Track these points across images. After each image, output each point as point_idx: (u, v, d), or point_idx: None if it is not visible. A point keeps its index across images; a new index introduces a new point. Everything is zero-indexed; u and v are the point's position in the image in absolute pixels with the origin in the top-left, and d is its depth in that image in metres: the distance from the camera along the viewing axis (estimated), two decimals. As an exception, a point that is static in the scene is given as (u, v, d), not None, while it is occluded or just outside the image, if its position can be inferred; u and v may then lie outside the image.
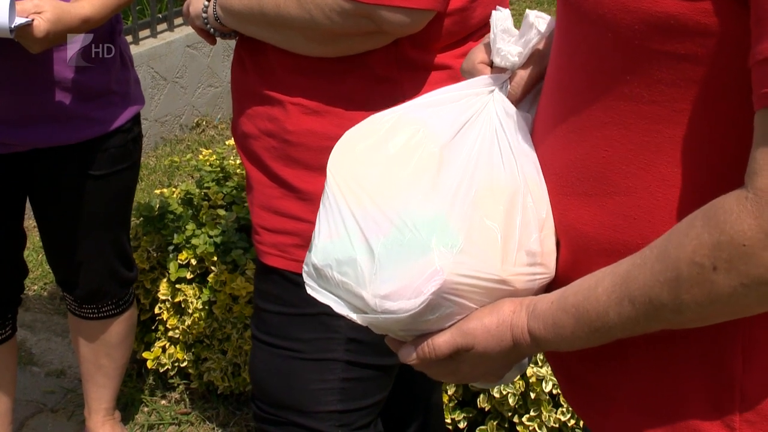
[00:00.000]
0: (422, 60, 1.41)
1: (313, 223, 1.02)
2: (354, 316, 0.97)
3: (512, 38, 1.05)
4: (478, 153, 0.99)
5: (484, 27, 1.45)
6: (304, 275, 1.02)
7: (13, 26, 1.60)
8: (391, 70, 1.40)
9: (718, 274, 0.78)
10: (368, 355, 1.49)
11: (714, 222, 0.79)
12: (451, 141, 1.00)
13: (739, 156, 0.80)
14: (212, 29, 1.53)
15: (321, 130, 1.42)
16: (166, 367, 2.58)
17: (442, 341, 0.95)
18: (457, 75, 1.13)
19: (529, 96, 1.06)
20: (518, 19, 1.12)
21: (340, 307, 0.98)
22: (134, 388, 2.64)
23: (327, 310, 1.45)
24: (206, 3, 1.52)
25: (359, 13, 1.32)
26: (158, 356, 2.59)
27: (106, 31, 1.91)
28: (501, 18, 1.05)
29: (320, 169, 1.07)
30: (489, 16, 1.43)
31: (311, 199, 1.05)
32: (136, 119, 2.07)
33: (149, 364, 2.59)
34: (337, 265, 0.96)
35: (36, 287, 3.18)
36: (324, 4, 1.34)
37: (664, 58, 0.84)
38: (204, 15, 1.52)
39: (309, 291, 1.01)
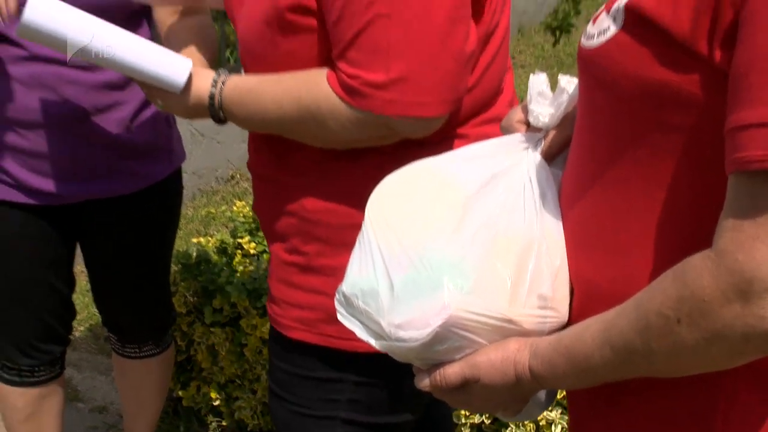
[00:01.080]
0: (441, 134, 1.36)
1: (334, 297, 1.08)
2: (373, 342, 1.02)
3: (546, 101, 1.08)
4: (502, 204, 1.02)
5: (496, 96, 1.45)
6: (336, 303, 1.07)
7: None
8: (410, 149, 1.33)
9: (682, 327, 0.80)
10: (367, 415, 1.50)
11: (681, 278, 0.80)
12: (479, 192, 1.04)
13: None
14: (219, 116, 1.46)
15: (342, 209, 1.38)
16: (200, 405, 2.61)
17: (452, 371, 0.99)
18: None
19: (561, 155, 1.08)
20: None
21: (362, 333, 1.03)
22: (171, 424, 2.67)
23: (331, 376, 1.44)
24: (212, 90, 1.45)
25: (376, 122, 1.29)
26: (193, 395, 2.61)
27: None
28: (537, 82, 1.09)
29: (342, 246, 1.07)
30: (492, 90, 1.43)
31: (333, 275, 1.07)
32: (177, 173, 2.12)
33: (185, 402, 2.61)
34: (362, 295, 1.02)
35: (82, 328, 3.21)
36: (339, 115, 1.30)
37: (659, 125, 0.86)
38: (210, 101, 1.45)
39: (339, 317, 1.06)
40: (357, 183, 1.13)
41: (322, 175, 1.40)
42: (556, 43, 5.73)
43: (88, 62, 1.51)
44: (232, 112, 1.44)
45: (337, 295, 1.07)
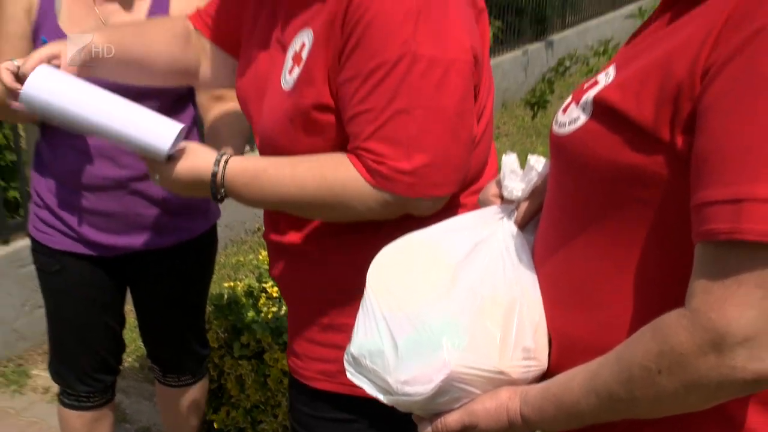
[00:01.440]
0: (445, 206, 1.33)
1: None
2: (381, 397, 1.00)
3: (517, 177, 1.08)
4: (485, 269, 1.02)
5: (484, 167, 1.43)
6: (345, 363, 1.05)
7: (170, 153, 1.35)
8: (418, 219, 1.28)
9: (662, 377, 0.79)
10: None
11: (659, 334, 0.80)
12: (465, 259, 1.03)
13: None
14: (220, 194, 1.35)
15: (359, 276, 1.22)
16: (229, 428, 2.60)
17: (452, 419, 0.98)
18: (472, 209, 1.16)
19: (532, 222, 1.08)
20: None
21: (370, 389, 1.01)
22: (204, 444, 2.65)
23: (349, 417, 1.40)
24: (215, 168, 1.33)
25: (396, 202, 1.26)
26: (223, 418, 2.61)
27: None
28: (509, 161, 1.09)
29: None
30: (483, 162, 1.41)
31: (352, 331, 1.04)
32: (213, 228, 2.14)
33: (216, 425, 2.61)
34: (370, 355, 1.00)
35: (130, 359, 3.20)
36: (365, 197, 1.25)
37: (626, 201, 0.86)
38: (212, 179, 1.33)
39: (348, 375, 1.04)
40: (372, 252, 1.10)
41: (339, 247, 1.35)
42: (534, 116, 5.82)
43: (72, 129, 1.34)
44: (239, 192, 1.33)
45: (345, 356, 1.05)
